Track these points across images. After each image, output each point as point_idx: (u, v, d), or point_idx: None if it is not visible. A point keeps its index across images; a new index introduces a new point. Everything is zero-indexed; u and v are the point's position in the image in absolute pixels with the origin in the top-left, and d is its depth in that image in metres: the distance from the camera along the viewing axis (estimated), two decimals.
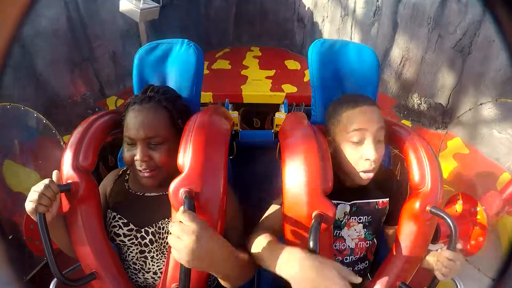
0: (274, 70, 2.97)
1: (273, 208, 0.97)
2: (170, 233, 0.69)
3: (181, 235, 0.68)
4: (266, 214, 0.98)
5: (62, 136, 1.63)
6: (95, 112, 1.79)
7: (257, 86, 2.69)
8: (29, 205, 0.80)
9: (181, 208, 0.71)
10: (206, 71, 2.63)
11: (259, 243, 0.86)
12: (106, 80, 2.56)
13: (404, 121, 2.14)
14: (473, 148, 1.89)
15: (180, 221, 0.69)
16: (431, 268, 0.90)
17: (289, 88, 2.64)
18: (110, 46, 2.64)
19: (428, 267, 0.93)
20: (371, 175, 0.93)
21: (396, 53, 2.57)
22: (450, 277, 0.86)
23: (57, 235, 0.92)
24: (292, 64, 3.15)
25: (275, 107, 2.39)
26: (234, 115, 1.27)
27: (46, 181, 0.82)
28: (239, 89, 2.58)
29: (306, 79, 2.72)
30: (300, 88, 2.66)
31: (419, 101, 2.32)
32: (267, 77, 2.82)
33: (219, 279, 0.88)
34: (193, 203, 0.75)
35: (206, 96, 2.41)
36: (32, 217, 0.81)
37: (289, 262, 0.74)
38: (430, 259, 0.92)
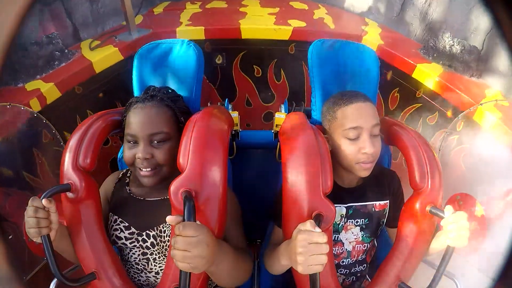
0: (278, 8, 2.53)
1: (276, 230, 0.99)
2: (175, 249, 0.69)
3: (189, 247, 0.68)
4: (272, 237, 1.02)
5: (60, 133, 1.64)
6: (64, 54, 1.78)
7: (258, 20, 2.32)
8: (31, 233, 0.80)
9: (177, 225, 0.70)
10: (198, 10, 2.48)
11: (269, 253, 0.95)
12: (81, 21, 2.14)
13: (434, 64, 1.85)
14: None
15: (182, 235, 0.69)
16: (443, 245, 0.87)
17: (297, 23, 2.25)
18: None
19: (435, 251, 0.93)
20: (370, 165, 0.93)
21: None
22: (462, 240, 0.81)
23: (63, 246, 0.92)
24: (298, 4, 2.70)
25: (281, 51, 2.23)
26: (234, 115, 1.27)
27: (31, 202, 0.80)
28: (237, 23, 2.22)
29: (316, 16, 2.40)
30: (309, 23, 2.27)
31: (451, 42, 1.94)
32: (270, 14, 2.43)
33: (217, 281, 0.88)
34: (193, 204, 0.75)
35: (197, 32, 2.16)
36: (37, 240, 0.82)
37: (288, 246, 0.81)
38: (437, 241, 0.92)
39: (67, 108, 1.72)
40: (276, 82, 2.41)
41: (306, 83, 2.34)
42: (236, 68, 2.35)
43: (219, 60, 2.30)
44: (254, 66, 2.35)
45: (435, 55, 1.96)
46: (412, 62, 1.86)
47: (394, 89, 2.05)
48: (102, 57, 1.86)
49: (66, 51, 1.85)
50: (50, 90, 1.60)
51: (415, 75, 1.85)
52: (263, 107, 2.51)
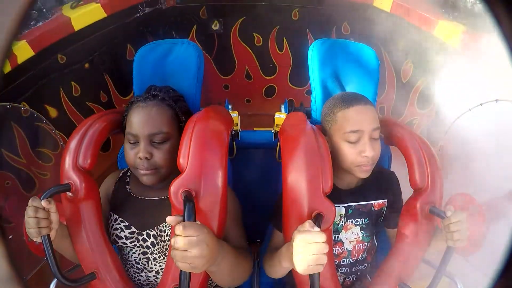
0: None
1: (276, 235, 0.99)
2: (175, 249, 0.69)
3: (189, 247, 0.68)
4: (270, 242, 1.02)
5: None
6: (41, 14, 1.60)
7: None
8: (31, 233, 0.80)
9: (177, 225, 0.70)
10: None
11: (269, 257, 0.94)
12: None
13: (456, 23, 1.58)
14: None
15: (182, 235, 0.69)
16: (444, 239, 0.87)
17: None
18: None
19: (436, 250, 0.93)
20: (369, 167, 0.94)
21: None
22: (463, 240, 0.82)
23: (63, 246, 0.92)
24: None
25: (283, 17, 2.03)
26: (234, 115, 1.27)
27: (31, 202, 0.80)
28: None
29: None
30: None
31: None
32: None
33: (217, 281, 0.88)
34: (193, 204, 0.75)
35: None
36: (37, 240, 0.82)
37: (288, 248, 0.79)
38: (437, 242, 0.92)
39: (50, 80, 1.59)
40: (278, 52, 2.24)
41: None
42: (235, 36, 2.19)
43: (215, 26, 2.14)
44: (254, 34, 2.17)
45: (455, 14, 1.71)
46: (432, 18, 1.63)
47: (407, 59, 1.86)
48: (82, 13, 1.67)
49: (44, 10, 1.64)
50: (21, 48, 1.41)
51: (437, 32, 1.62)
52: (264, 80, 2.34)
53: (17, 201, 1.39)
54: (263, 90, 2.37)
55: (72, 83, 1.71)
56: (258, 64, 2.28)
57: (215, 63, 2.26)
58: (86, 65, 1.76)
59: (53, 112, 1.64)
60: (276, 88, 2.37)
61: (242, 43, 2.20)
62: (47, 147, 1.57)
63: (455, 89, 1.55)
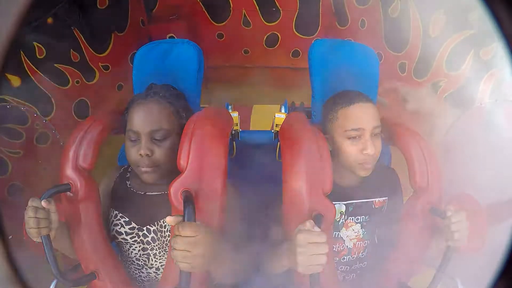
0: None
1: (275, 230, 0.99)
2: (175, 249, 0.69)
3: (189, 247, 0.68)
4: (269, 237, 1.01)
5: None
6: None
7: None
8: (31, 233, 0.80)
9: (177, 225, 0.70)
10: None
11: (269, 253, 0.94)
12: None
13: None
14: None
15: (182, 235, 0.69)
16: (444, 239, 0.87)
17: None
18: None
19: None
20: (370, 165, 0.94)
21: None
22: (463, 240, 0.83)
23: (63, 245, 0.93)
24: None
25: None
26: (234, 115, 1.27)
27: (31, 202, 0.80)
28: None
29: None
30: None
31: None
32: None
33: (218, 278, 0.88)
34: (193, 204, 0.75)
35: None
36: (37, 240, 0.82)
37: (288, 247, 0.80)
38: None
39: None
40: None
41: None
42: None
43: None
44: None
45: None
46: None
47: (439, 10, 1.57)
48: None
49: None
50: None
51: None
52: (265, 27, 1.99)
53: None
54: (264, 39, 2.03)
55: (35, 43, 1.44)
56: (258, 8, 1.95)
57: (205, 7, 1.93)
58: (49, 20, 1.46)
59: (15, 81, 1.39)
60: (280, 36, 2.04)
61: None
62: (13, 121, 1.40)
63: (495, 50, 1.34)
